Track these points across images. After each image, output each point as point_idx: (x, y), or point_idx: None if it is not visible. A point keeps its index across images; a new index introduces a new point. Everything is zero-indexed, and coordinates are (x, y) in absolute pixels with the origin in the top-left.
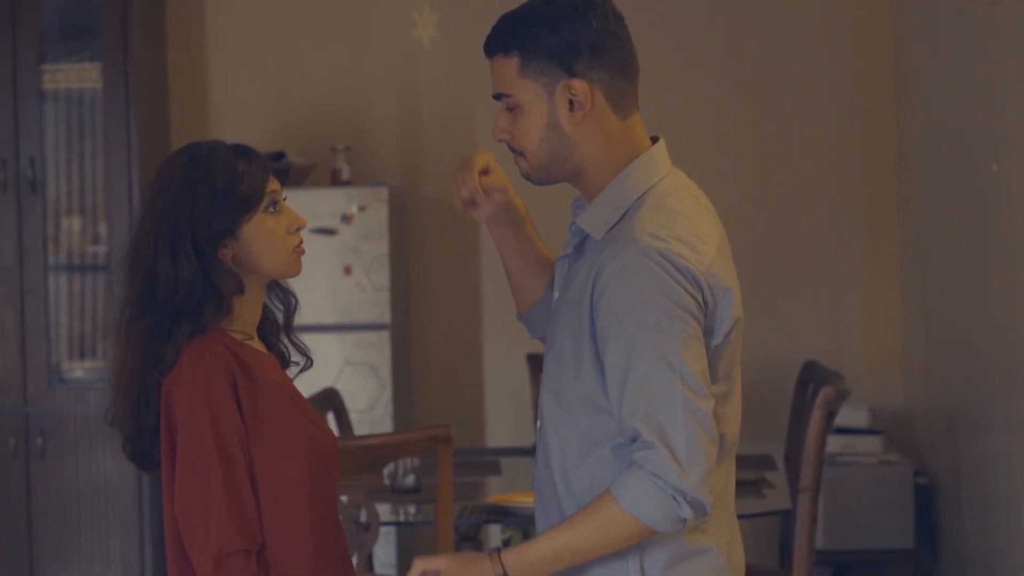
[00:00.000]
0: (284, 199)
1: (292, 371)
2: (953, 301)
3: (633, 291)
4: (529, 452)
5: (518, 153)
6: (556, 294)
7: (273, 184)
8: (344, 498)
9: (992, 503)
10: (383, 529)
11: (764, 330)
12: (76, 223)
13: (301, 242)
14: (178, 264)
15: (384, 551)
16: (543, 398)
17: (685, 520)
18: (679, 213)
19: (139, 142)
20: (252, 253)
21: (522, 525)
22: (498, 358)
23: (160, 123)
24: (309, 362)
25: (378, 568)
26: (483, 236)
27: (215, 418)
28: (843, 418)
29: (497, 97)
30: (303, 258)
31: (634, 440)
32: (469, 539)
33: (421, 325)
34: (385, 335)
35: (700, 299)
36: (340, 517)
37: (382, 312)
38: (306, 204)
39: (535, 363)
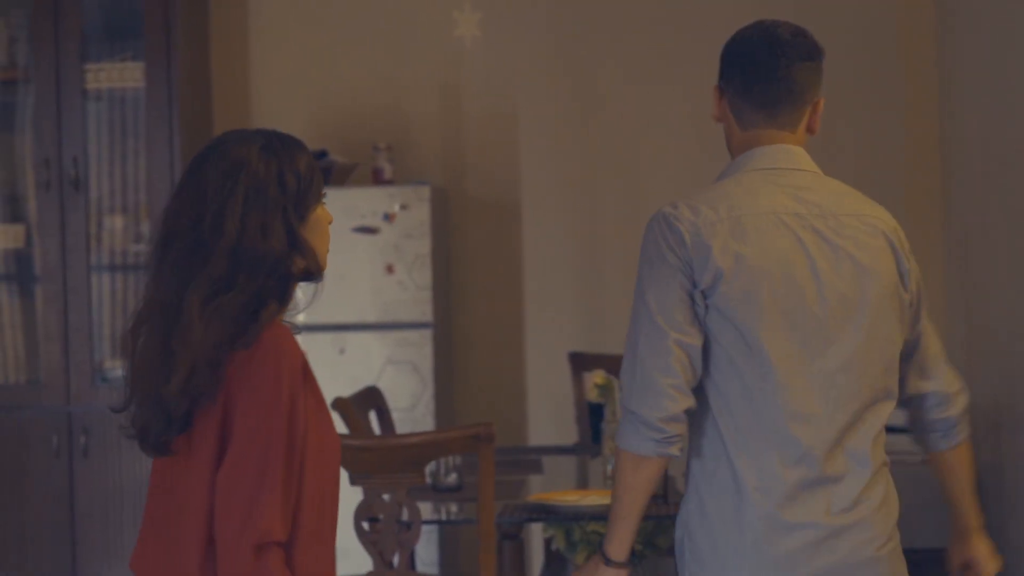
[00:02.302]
0: None
1: None
2: (995, 300)
3: (641, 252)
4: (570, 451)
5: None
6: None
7: None
8: (387, 496)
9: None
10: (425, 528)
11: None
12: (119, 222)
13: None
14: (268, 241)
15: (426, 550)
16: None
17: (655, 440)
18: (715, 188)
19: (181, 141)
20: (313, 241)
21: (564, 524)
22: (540, 356)
23: (202, 122)
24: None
25: (420, 567)
26: (525, 235)
27: (293, 409)
28: None
29: None
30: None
31: None
32: (511, 538)
33: (463, 324)
34: (427, 334)
35: (681, 255)
36: (382, 516)
37: (424, 311)
38: (348, 203)
39: (577, 361)
